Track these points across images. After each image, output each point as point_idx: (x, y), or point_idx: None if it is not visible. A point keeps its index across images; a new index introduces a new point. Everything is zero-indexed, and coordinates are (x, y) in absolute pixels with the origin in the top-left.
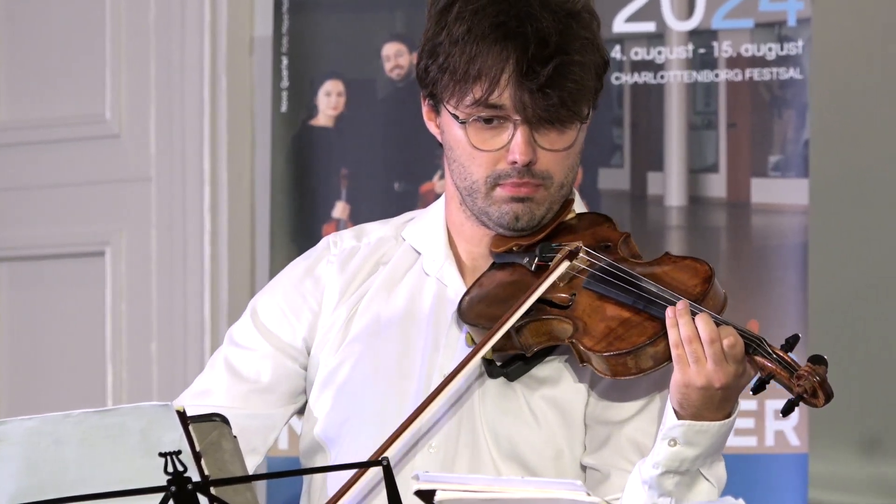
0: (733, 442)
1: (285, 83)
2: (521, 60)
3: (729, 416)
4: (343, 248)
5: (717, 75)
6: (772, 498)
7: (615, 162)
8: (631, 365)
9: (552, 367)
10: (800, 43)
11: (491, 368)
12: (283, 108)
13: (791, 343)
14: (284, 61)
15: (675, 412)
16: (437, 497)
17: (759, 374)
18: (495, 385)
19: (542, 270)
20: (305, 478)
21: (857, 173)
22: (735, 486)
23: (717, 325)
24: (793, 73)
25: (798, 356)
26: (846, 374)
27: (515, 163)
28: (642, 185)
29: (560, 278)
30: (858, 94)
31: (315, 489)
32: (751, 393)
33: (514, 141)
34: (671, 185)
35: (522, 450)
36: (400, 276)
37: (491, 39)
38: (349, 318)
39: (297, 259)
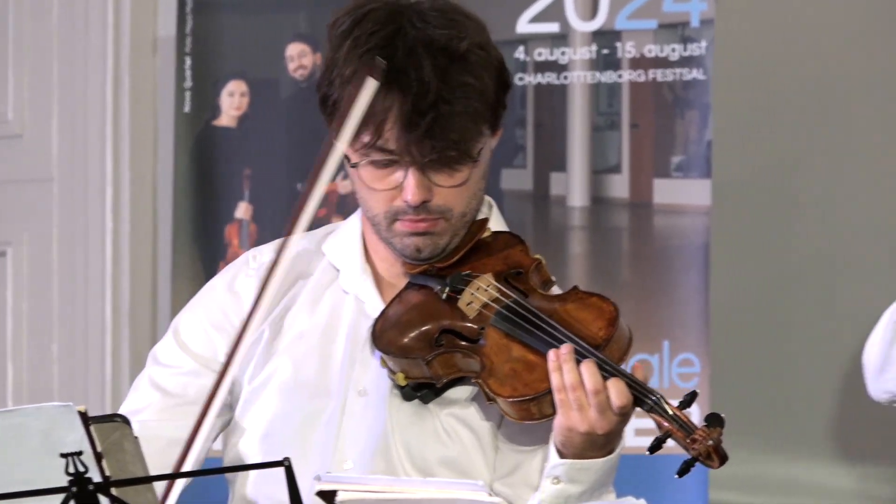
0: (634, 442)
1: (189, 83)
2: (403, 110)
3: (613, 451)
4: (262, 261)
5: (620, 76)
6: (673, 498)
7: (518, 162)
8: (534, 411)
9: (463, 390)
10: (703, 44)
11: (404, 393)
12: (187, 108)
13: (688, 401)
14: (188, 61)
15: (558, 450)
16: (339, 498)
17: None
18: (409, 404)
19: (453, 301)
20: (230, 491)
21: (758, 174)
22: (636, 486)
23: (611, 375)
24: (696, 73)
25: (701, 356)
26: (746, 374)
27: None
28: (545, 185)
29: (469, 311)
30: (761, 95)
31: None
32: (647, 452)
33: (406, 182)
34: (574, 186)
35: (436, 467)
36: (321, 292)
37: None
38: (273, 335)
39: (217, 275)
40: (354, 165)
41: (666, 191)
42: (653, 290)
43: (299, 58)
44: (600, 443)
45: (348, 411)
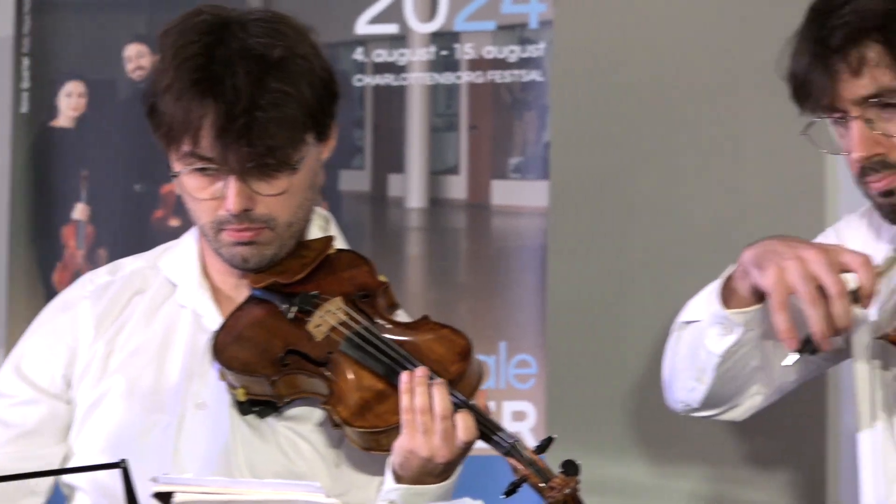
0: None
1: (26, 84)
2: (217, 117)
3: (449, 478)
4: (98, 283)
5: (458, 77)
6: (512, 498)
7: (356, 164)
8: (384, 443)
9: (301, 409)
10: (541, 45)
11: (241, 407)
12: (24, 108)
13: (543, 446)
14: (25, 62)
15: (395, 473)
16: (176, 499)
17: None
18: (250, 417)
19: (300, 322)
20: None
21: (596, 175)
22: (476, 487)
23: (462, 407)
24: (534, 75)
25: (538, 357)
26: (583, 374)
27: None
28: (383, 186)
29: (317, 333)
30: (598, 97)
31: None
32: (503, 496)
33: (226, 190)
34: (412, 187)
35: (277, 479)
36: (157, 307)
37: (190, 95)
38: (108, 352)
39: (53, 300)
40: (176, 175)
41: (504, 192)
42: (490, 291)
43: (137, 58)
44: (438, 470)
45: (187, 425)
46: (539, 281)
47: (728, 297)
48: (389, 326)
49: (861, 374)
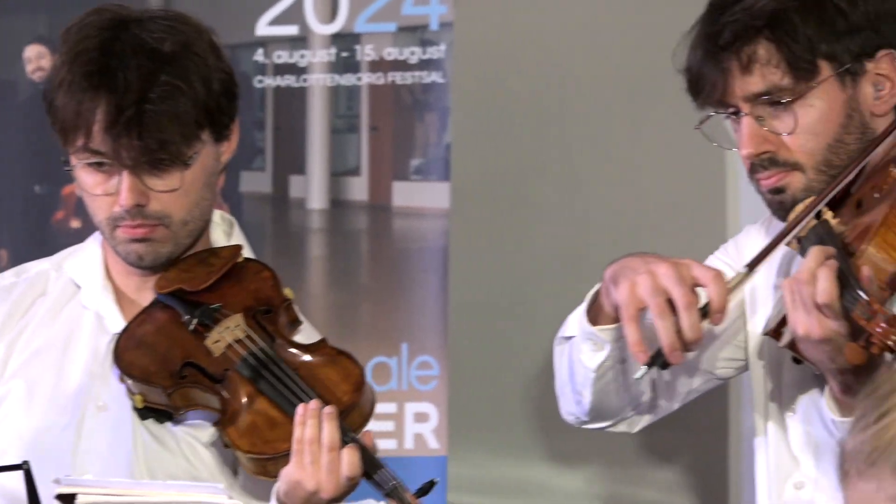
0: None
1: None
2: (108, 110)
3: None
4: (2, 285)
5: (359, 79)
6: None
7: (257, 165)
8: (272, 470)
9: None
10: (442, 47)
11: (140, 413)
12: None
13: (425, 489)
14: None
15: (279, 501)
16: (78, 501)
17: None
18: (151, 422)
19: (199, 335)
20: None
21: (497, 177)
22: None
23: (350, 442)
24: (435, 76)
25: (439, 358)
26: (485, 376)
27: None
28: (284, 188)
29: (215, 349)
30: (499, 99)
31: None
32: None
33: (120, 185)
34: (313, 189)
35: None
36: (60, 308)
37: (83, 88)
38: (8, 354)
39: None
40: (70, 169)
41: (405, 193)
42: (392, 293)
43: (37, 59)
44: (322, 503)
45: (87, 426)
46: (440, 282)
47: (595, 313)
48: (288, 348)
49: (756, 373)
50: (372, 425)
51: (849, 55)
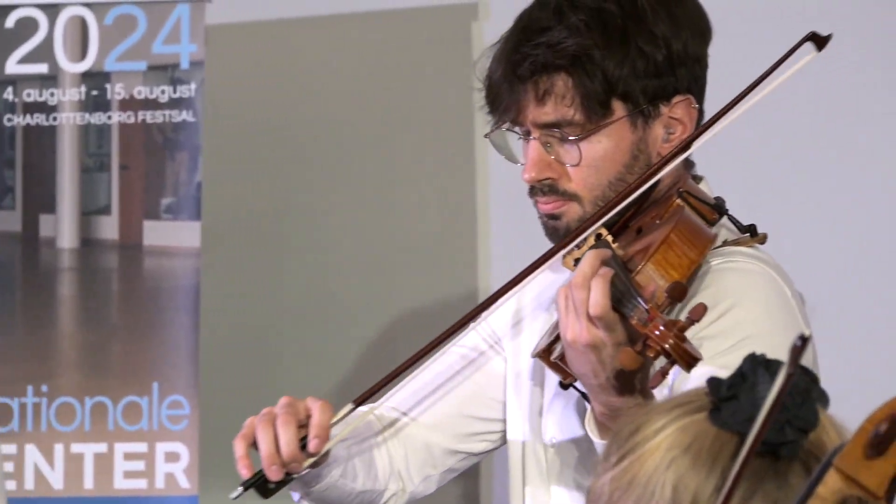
0: (123, 485)
1: None
2: None
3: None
4: None
5: (109, 117)
6: None
7: (6, 204)
8: None
9: None
10: (192, 85)
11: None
12: None
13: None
14: None
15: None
16: None
17: None
18: None
19: None
20: None
21: (248, 215)
22: None
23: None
24: (185, 115)
25: (190, 397)
26: (236, 415)
27: None
28: (34, 227)
29: None
30: (250, 137)
31: None
32: None
33: None
34: (63, 227)
35: None
36: None
37: None
38: None
39: None
40: None
41: (156, 232)
42: (143, 332)
43: None
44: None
45: None
46: (192, 321)
47: None
48: None
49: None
50: (121, 465)
51: (644, 97)
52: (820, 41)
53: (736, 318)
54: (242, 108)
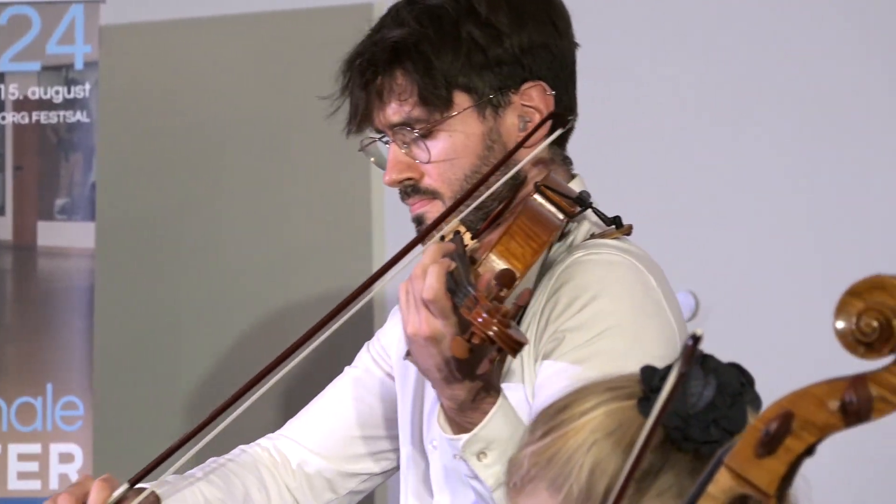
0: (17, 486)
1: None
2: None
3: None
4: None
5: (3, 118)
6: None
7: None
8: None
9: None
10: (87, 86)
11: None
12: None
13: None
14: None
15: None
16: None
17: None
18: None
19: None
20: None
21: (143, 216)
22: None
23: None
24: (80, 116)
25: (84, 398)
26: (131, 416)
27: None
28: None
29: None
30: (145, 138)
31: None
32: None
33: None
34: None
35: None
36: None
37: None
38: None
39: None
40: None
41: (50, 233)
42: (37, 333)
43: None
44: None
45: None
46: (86, 322)
47: None
48: None
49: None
50: (15, 466)
51: (489, 88)
52: (558, 120)
53: (596, 310)
54: (137, 108)
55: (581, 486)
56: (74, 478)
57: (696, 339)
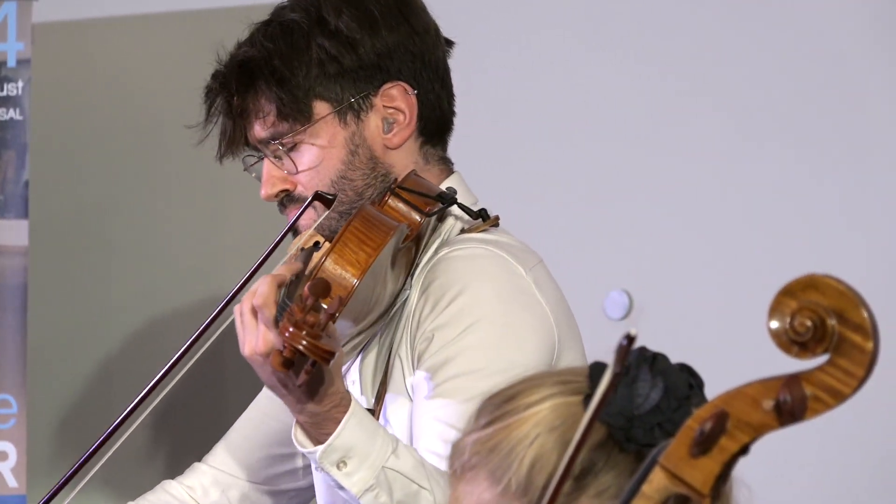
0: None
1: None
2: None
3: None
4: None
5: None
6: None
7: None
8: None
9: None
10: (20, 84)
11: None
12: None
13: None
14: None
15: None
16: None
17: None
18: None
19: None
20: None
21: (77, 214)
22: None
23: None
24: (13, 113)
25: (18, 396)
26: (65, 414)
27: None
28: None
29: None
30: (79, 136)
31: None
32: None
33: None
34: None
35: None
36: None
37: None
38: None
39: None
40: None
41: None
42: None
43: None
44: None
45: None
46: (20, 320)
47: None
48: None
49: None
50: None
51: (347, 94)
52: (326, 201)
53: (462, 305)
54: (70, 106)
55: (520, 480)
56: (8, 477)
57: (630, 339)
